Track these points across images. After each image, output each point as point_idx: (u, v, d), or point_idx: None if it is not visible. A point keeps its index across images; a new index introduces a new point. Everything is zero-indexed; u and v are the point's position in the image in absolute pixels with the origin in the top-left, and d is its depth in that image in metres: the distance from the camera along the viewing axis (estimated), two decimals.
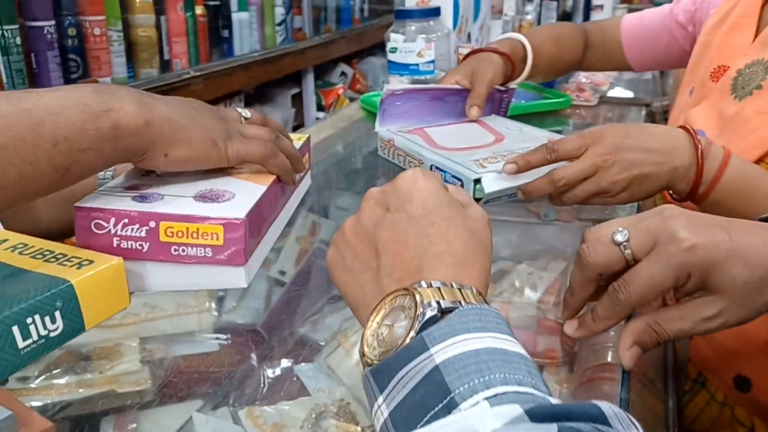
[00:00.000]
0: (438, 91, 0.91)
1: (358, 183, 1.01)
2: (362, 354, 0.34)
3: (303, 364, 0.66)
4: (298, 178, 0.63)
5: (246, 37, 2.09)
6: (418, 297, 0.32)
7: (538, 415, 0.25)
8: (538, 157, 0.66)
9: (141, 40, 1.61)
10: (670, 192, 0.66)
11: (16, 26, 1.28)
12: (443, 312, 0.32)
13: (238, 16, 2.04)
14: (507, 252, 0.86)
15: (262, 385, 0.63)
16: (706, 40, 0.85)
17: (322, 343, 0.69)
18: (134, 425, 0.57)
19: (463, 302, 0.33)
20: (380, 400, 0.31)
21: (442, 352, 0.29)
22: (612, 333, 0.58)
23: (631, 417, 0.26)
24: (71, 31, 1.40)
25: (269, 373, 0.64)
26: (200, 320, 0.72)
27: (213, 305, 0.75)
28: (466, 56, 1.00)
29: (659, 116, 1.20)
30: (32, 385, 0.58)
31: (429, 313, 0.32)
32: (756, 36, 0.77)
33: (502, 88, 0.96)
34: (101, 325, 0.67)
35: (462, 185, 0.73)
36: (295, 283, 0.84)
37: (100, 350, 0.65)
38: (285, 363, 0.66)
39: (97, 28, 1.45)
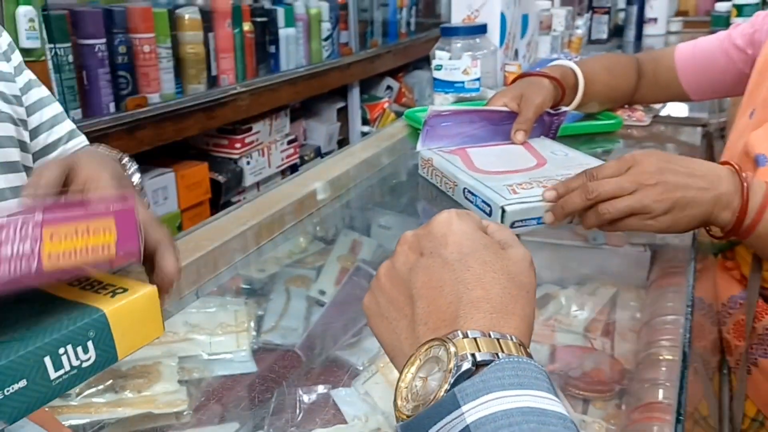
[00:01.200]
0: (484, 113, 0.90)
1: (400, 202, 1.00)
2: (395, 407, 0.33)
3: (340, 388, 0.65)
4: None
5: (292, 52, 2.12)
6: (452, 348, 0.31)
7: None
8: (578, 183, 0.65)
9: (189, 57, 1.65)
10: (708, 229, 0.65)
11: (69, 44, 1.32)
12: (479, 365, 0.31)
13: (285, 32, 2.07)
14: (553, 276, 0.83)
15: (298, 410, 0.62)
16: (766, 61, 0.82)
17: (360, 368, 0.68)
18: None
19: (500, 354, 0.31)
20: None
21: (473, 411, 0.28)
22: (664, 369, 0.56)
23: None
24: (121, 49, 1.44)
25: (305, 398, 0.63)
26: (238, 340, 0.72)
27: (252, 325, 0.75)
28: (515, 79, 0.98)
29: (716, 134, 1.16)
30: (73, 403, 0.59)
31: (464, 367, 0.31)
32: None
33: (553, 111, 0.94)
34: None
35: (491, 211, 0.72)
36: (335, 304, 0.83)
37: (139, 368, 0.66)
38: (322, 388, 0.65)
39: (146, 45, 1.49)
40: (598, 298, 0.79)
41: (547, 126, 0.96)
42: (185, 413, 0.61)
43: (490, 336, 0.32)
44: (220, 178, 1.82)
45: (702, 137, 1.07)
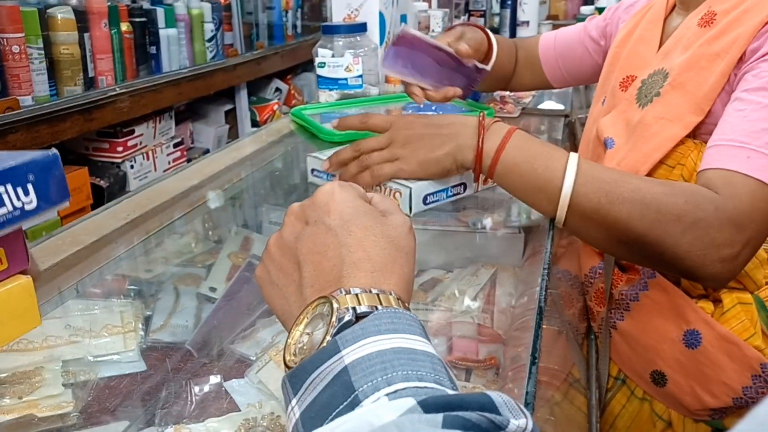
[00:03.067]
0: (442, 55, 0.90)
1: (290, 197, 1.01)
2: (284, 362, 0.34)
3: (233, 380, 0.65)
4: None
5: (175, 53, 2.06)
6: (335, 304, 0.34)
7: (430, 405, 0.27)
8: (355, 122, 0.76)
9: (63, 58, 1.57)
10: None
11: None
12: (359, 317, 0.33)
13: (166, 33, 2.01)
14: (439, 261, 0.87)
15: (190, 402, 0.62)
16: (616, 52, 0.90)
17: (253, 359, 0.69)
18: None
19: (379, 306, 0.34)
20: (293, 402, 0.32)
21: (352, 353, 0.31)
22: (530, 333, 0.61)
23: (521, 406, 0.28)
24: None
25: (197, 390, 0.63)
26: (125, 340, 0.71)
27: (140, 325, 0.73)
28: (451, 27, 1.00)
29: (580, 127, 1.25)
30: None
31: (345, 318, 0.33)
32: (660, 47, 0.83)
33: (480, 66, 0.95)
34: (21, 349, 0.65)
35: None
36: (226, 299, 0.83)
37: (20, 374, 0.63)
38: (214, 379, 0.65)
39: (15, 45, 1.41)
40: (479, 278, 0.84)
41: (471, 79, 0.96)
42: (71, 415, 0.59)
43: (370, 292, 0.35)
44: (102, 183, 1.74)
45: (564, 126, 1.15)
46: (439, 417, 0.25)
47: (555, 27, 2.59)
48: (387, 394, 0.28)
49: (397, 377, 0.29)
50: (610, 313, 0.81)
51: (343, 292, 0.34)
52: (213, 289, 0.84)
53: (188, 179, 0.82)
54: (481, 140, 0.66)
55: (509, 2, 2.21)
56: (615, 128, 0.79)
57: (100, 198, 1.73)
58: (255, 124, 2.69)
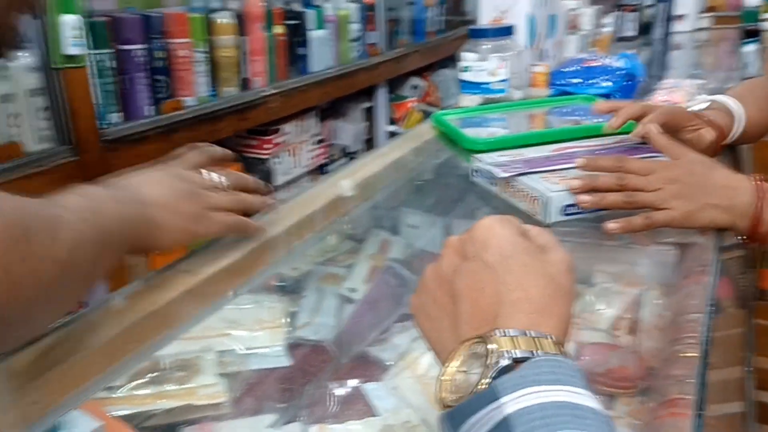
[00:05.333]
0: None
1: (428, 201, 1.02)
2: (439, 398, 0.35)
3: (371, 383, 0.67)
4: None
5: (322, 53, 2.14)
6: (492, 346, 0.33)
7: None
8: (607, 163, 0.73)
9: (223, 60, 1.68)
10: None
11: (111, 50, 1.36)
12: (517, 361, 0.33)
13: (315, 34, 2.09)
14: (581, 275, 0.84)
15: (331, 403, 0.64)
16: None
17: (389, 363, 0.70)
18: None
19: (538, 352, 0.33)
20: None
21: (512, 402, 0.30)
22: (686, 366, 0.57)
23: None
24: (159, 54, 1.48)
25: (338, 391, 0.66)
26: (273, 335, 0.75)
27: (286, 321, 0.77)
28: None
29: None
30: (117, 395, 0.62)
31: (502, 363, 0.32)
32: None
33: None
34: (181, 338, 0.71)
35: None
36: (365, 301, 0.85)
37: (179, 362, 0.68)
38: (353, 383, 0.67)
39: (182, 50, 1.53)
40: (624, 296, 0.80)
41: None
42: (224, 404, 0.64)
43: (528, 335, 0.34)
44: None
45: None
46: None
47: (718, 21, 2.39)
48: None
49: None
50: None
51: (500, 334, 0.34)
52: (353, 290, 0.86)
53: (334, 186, 0.85)
54: (759, 208, 0.67)
55: None
56: None
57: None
58: (391, 121, 2.73)
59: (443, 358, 0.37)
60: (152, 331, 0.56)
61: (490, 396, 0.31)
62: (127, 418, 0.59)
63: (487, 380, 0.32)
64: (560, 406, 0.30)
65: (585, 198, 0.72)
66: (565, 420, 0.29)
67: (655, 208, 0.70)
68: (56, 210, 0.45)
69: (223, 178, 0.65)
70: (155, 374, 0.65)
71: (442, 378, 0.35)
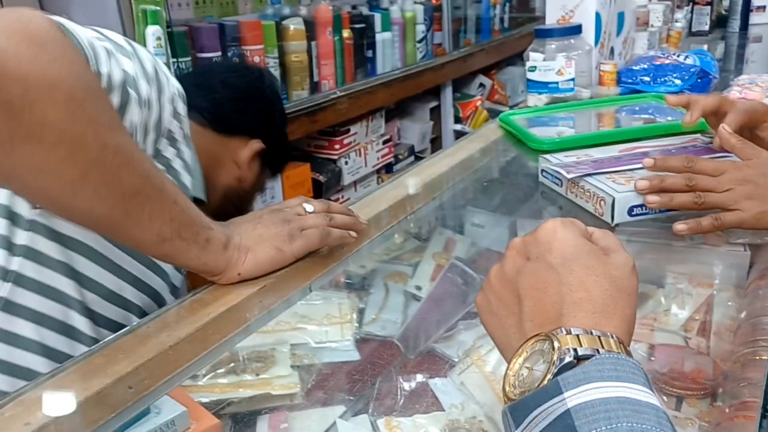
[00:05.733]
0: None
1: (493, 202, 1.02)
2: (504, 392, 0.36)
3: (437, 379, 0.69)
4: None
5: (388, 55, 2.17)
6: (556, 343, 0.35)
7: None
8: (677, 163, 0.72)
9: (294, 65, 1.73)
10: None
11: (189, 58, 1.43)
12: (580, 359, 0.34)
13: (381, 36, 2.12)
14: (651, 275, 0.83)
15: (398, 397, 0.66)
16: None
17: (456, 360, 0.71)
18: (285, 425, 0.63)
19: (600, 350, 0.34)
20: None
21: (574, 397, 0.31)
22: (760, 369, 0.55)
23: None
24: (235, 60, 1.54)
25: (405, 386, 0.67)
26: (342, 330, 0.77)
27: (354, 316, 0.79)
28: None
29: None
30: (200, 383, 0.66)
31: (566, 359, 0.34)
32: None
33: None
34: (257, 332, 0.74)
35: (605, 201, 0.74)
36: (431, 299, 0.86)
37: (256, 354, 0.72)
38: (420, 377, 0.69)
39: (256, 56, 1.59)
40: (695, 297, 0.78)
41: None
42: (298, 395, 0.67)
43: (591, 333, 0.35)
44: (321, 178, 1.90)
45: None
46: None
47: None
48: None
49: (621, 428, 0.29)
50: None
51: (564, 332, 0.35)
52: (419, 288, 0.88)
53: (401, 186, 0.87)
54: None
55: None
56: None
57: (318, 191, 1.89)
58: (458, 120, 2.73)
59: (508, 354, 0.39)
60: (234, 323, 0.60)
61: (554, 390, 0.32)
62: (208, 405, 0.63)
63: (551, 376, 0.33)
64: (621, 401, 0.31)
65: (653, 198, 0.71)
66: (625, 414, 0.30)
67: (725, 208, 0.69)
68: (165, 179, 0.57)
69: (314, 204, 0.71)
70: (233, 365, 0.69)
71: (508, 373, 0.36)
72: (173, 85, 0.69)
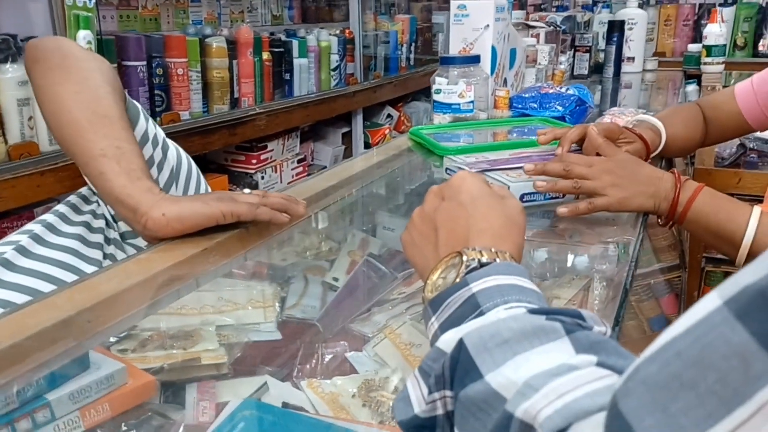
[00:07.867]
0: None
1: (403, 206, 1.09)
2: (423, 297, 0.43)
3: (353, 352, 0.73)
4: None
5: (305, 80, 2.23)
6: (465, 257, 0.42)
7: (536, 311, 0.35)
8: (555, 168, 0.81)
9: (216, 80, 1.75)
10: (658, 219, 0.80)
11: (115, 65, 1.42)
12: (482, 265, 0.41)
13: (299, 62, 2.18)
14: (536, 270, 0.92)
15: (319, 364, 0.70)
16: None
17: (370, 336, 0.76)
18: (214, 390, 0.65)
19: (497, 259, 0.42)
20: (433, 319, 0.40)
21: (477, 285, 0.39)
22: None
23: (603, 320, 0.35)
24: (159, 71, 1.54)
25: (326, 356, 0.71)
26: (265, 313, 0.80)
27: (277, 303, 0.83)
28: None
29: None
30: (131, 355, 0.67)
31: (472, 265, 0.41)
32: None
33: None
34: (183, 313, 0.76)
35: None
36: (347, 288, 0.91)
37: (184, 332, 0.73)
38: (338, 349, 0.73)
39: (180, 68, 1.60)
40: (572, 287, 0.87)
41: None
42: (225, 365, 0.69)
43: (491, 250, 0.43)
44: (237, 191, 1.91)
45: None
46: (542, 317, 0.33)
47: (660, 64, 2.54)
48: (504, 308, 0.36)
49: (511, 299, 0.37)
50: None
51: (471, 249, 0.42)
52: (336, 279, 0.93)
53: (316, 186, 0.92)
54: (677, 193, 0.77)
55: (615, 38, 2.21)
56: None
57: None
58: (367, 146, 2.82)
59: (426, 274, 0.45)
60: (176, 280, 0.62)
61: (462, 284, 0.40)
62: None
63: (461, 277, 0.41)
64: (512, 286, 0.39)
65: (541, 182, 0.81)
66: (515, 292, 0.38)
67: (596, 194, 0.79)
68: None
69: (252, 192, 0.74)
70: (160, 342, 0.70)
71: (427, 283, 0.43)
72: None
